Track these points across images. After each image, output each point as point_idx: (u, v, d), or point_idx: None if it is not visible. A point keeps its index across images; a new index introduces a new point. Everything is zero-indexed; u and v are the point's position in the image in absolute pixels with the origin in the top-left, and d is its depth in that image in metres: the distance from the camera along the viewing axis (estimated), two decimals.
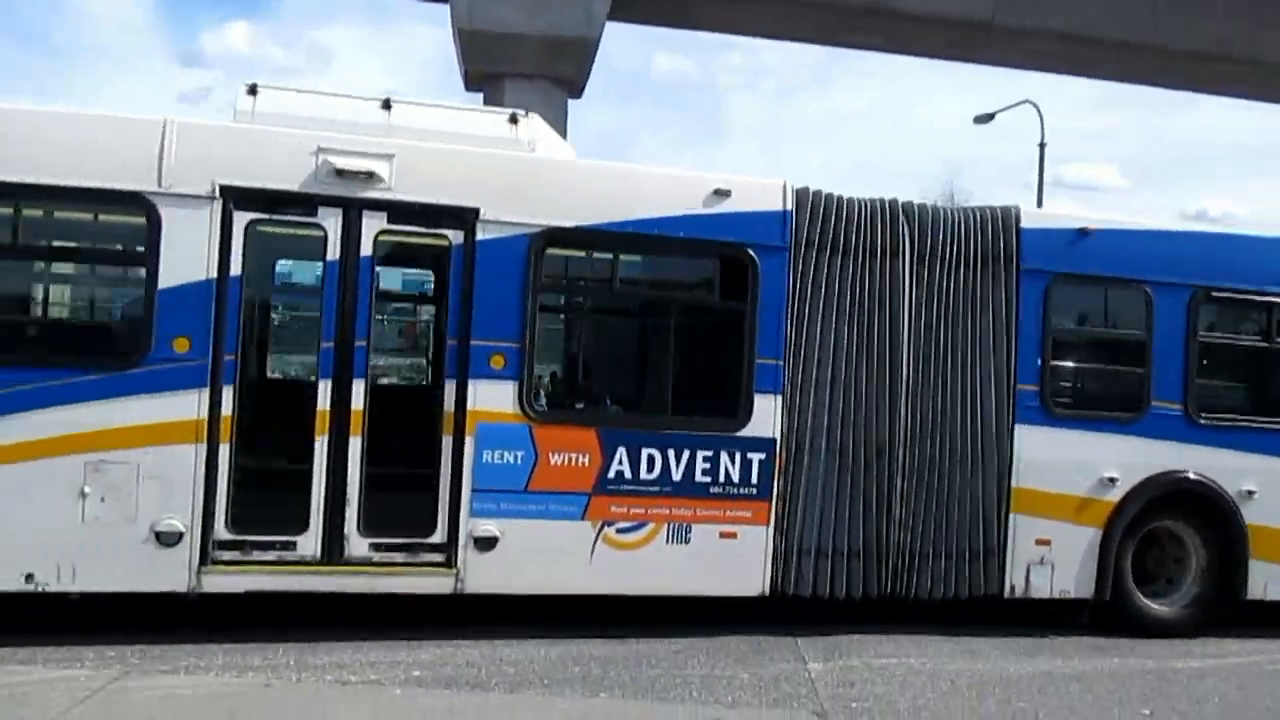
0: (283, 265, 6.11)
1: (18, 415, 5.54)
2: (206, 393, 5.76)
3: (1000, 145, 62.64)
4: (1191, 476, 7.35)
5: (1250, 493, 7.41)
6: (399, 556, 6.07)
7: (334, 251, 5.97)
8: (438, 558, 6.12)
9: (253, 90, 6.19)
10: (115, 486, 5.64)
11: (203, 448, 5.75)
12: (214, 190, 5.77)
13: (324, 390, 5.95)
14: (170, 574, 5.76)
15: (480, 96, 18.53)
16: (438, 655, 5.85)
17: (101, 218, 5.96)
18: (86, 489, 5.62)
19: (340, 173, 5.92)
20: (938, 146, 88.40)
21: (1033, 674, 6.12)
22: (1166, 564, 7.64)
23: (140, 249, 5.74)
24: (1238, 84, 20.48)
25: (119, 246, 6.04)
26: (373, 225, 6.01)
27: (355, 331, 5.99)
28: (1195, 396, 7.37)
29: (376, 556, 6.03)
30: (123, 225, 5.88)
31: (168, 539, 5.71)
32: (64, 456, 5.60)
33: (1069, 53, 19.02)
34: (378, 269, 6.08)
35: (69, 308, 6.35)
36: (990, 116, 24.51)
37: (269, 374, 6.05)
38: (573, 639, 6.17)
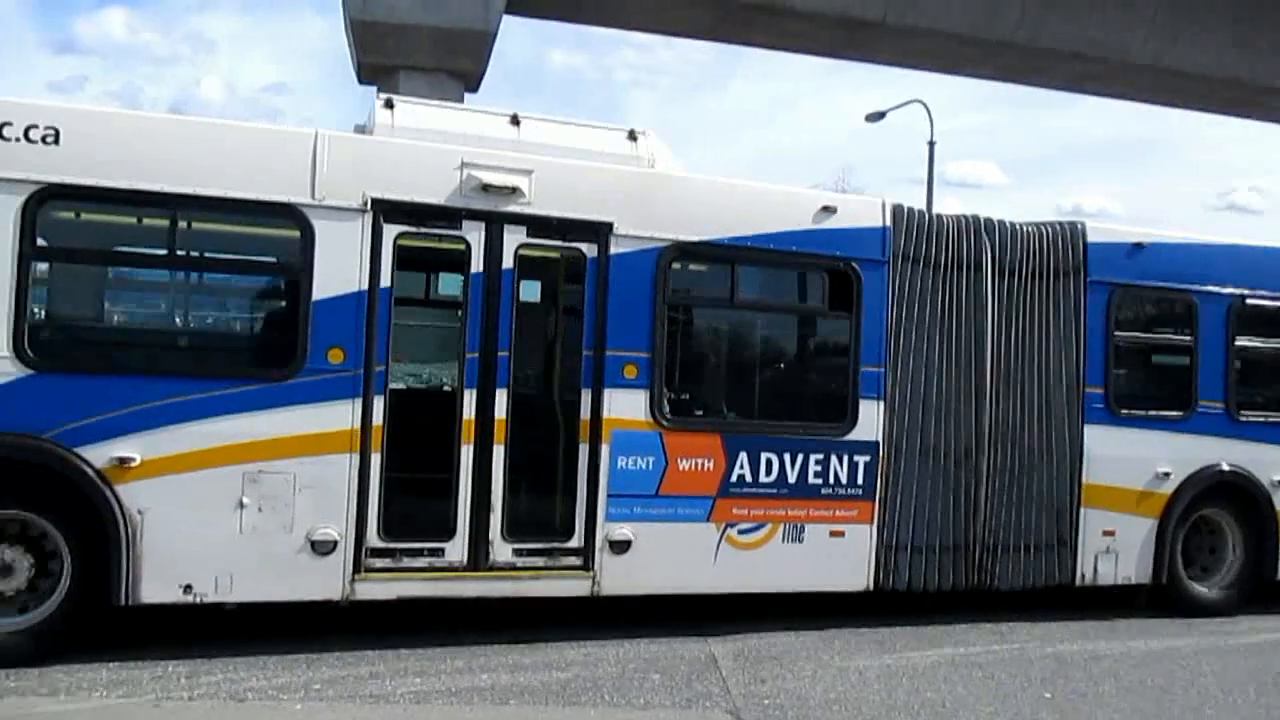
0: (425, 277, 6.19)
1: (177, 426, 5.54)
2: (359, 403, 5.84)
3: (890, 143, 64.86)
4: (1232, 469, 7.97)
5: (1279, 482, 8.08)
6: (539, 561, 6.24)
7: (477, 264, 6.11)
8: (576, 561, 6.31)
9: (389, 104, 6.29)
10: (272, 497, 5.68)
11: (356, 457, 5.83)
12: (365, 203, 5.86)
13: (469, 400, 6.09)
14: (325, 583, 5.82)
15: (374, 89, 17.85)
16: (339, 668, 5.59)
17: (256, 229, 5.97)
18: (245, 499, 5.65)
19: (486, 188, 6.07)
20: (831, 144, 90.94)
21: (937, 663, 6.20)
22: (1204, 550, 8.24)
23: (294, 261, 5.78)
24: (1110, 83, 21.08)
25: (273, 258, 6.06)
26: (513, 239, 6.17)
27: (498, 342, 6.13)
28: (1234, 396, 8.01)
29: (519, 561, 6.19)
30: (277, 237, 5.91)
31: (323, 548, 5.78)
32: (223, 467, 5.61)
33: (955, 52, 19.36)
34: (518, 281, 6.20)
35: (225, 319, 6.32)
36: (881, 115, 24.59)
37: (416, 384, 6.12)
38: (479, 645, 6.01)
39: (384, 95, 6.37)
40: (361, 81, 18.28)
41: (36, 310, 5.46)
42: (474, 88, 18.45)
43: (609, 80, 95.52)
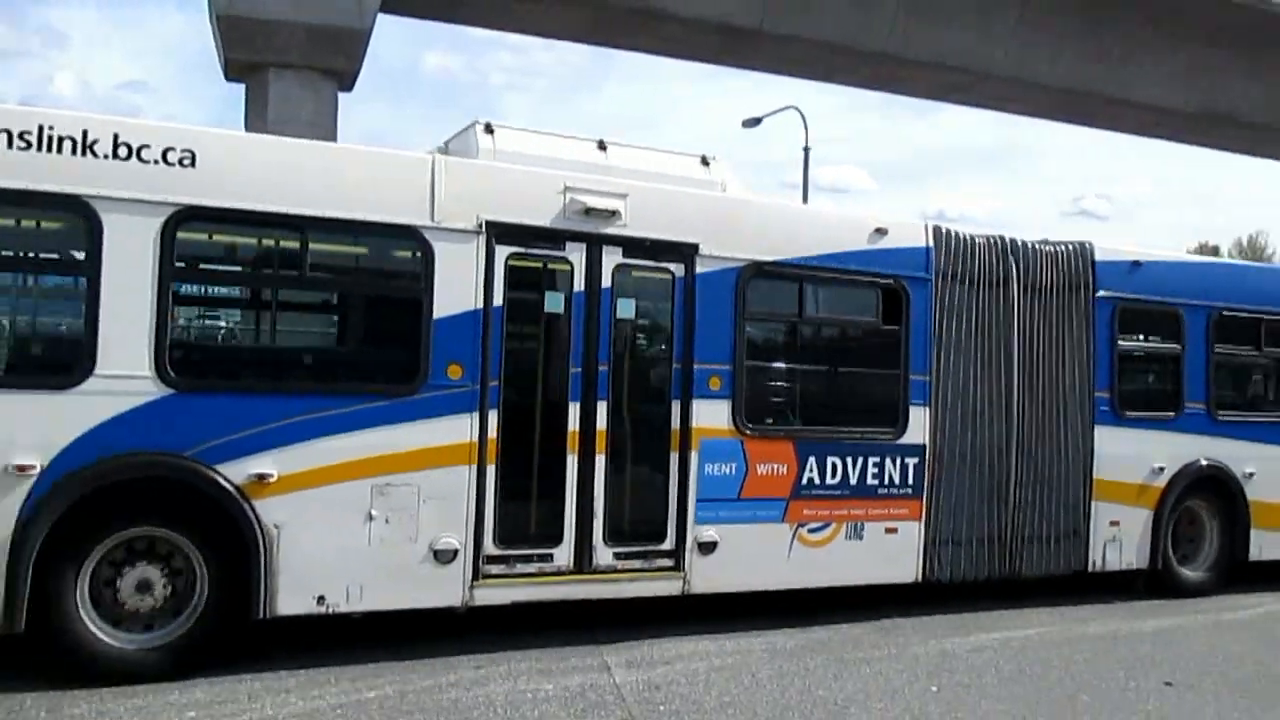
0: (533, 295, 6.47)
1: (310, 443, 5.71)
2: (477, 417, 6.10)
3: (766, 148, 66.92)
4: (1210, 463, 8.87)
5: (1250, 474, 9.03)
6: (636, 563, 6.60)
7: (579, 283, 6.44)
8: (668, 563, 6.69)
9: (489, 129, 6.54)
10: (399, 508, 5.89)
11: (474, 469, 6.09)
12: (479, 225, 6.12)
13: (573, 412, 6.40)
14: (446, 590, 6.06)
15: (242, 87, 17.41)
16: (213, 691, 5.31)
17: (380, 251, 6.15)
18: (373, 512, 5.84)
19: (588, 211, 6.40)
20: (708, 149, 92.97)
21: (828, 662, 6.26)
22: (1186, 538, 9.13)
23: (416, 281, 6.00)
24: (973, 93, 21.54)
25: (397, 278, 6.23)
26: (611, 259, 6.52)
27: (598, 357, 6.46)
28: (1214, 398, 8.91)
29: (619, 564, 6.53)
30: (399, 258, 6.11)
31: (444, 556, 6.01)
32: (353, 481, 5.80)
33: (829, 61, 19.65)
34: (615, 299, 6.55)
35: (351, 336, 6.45)
36: (758, 120, 24.72)
37: (524, 397, 6.40)
38: (362, 664, 5.75)
39: (483, 120, 6.60)
40: (229, 78, 17.51)
41: (175, 331, 5.52)
42: (348, 87, 17.97)
43: (484, 83, 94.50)
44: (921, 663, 6.37)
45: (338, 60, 16.91)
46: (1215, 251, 61.15)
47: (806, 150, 24.31)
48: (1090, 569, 8.30)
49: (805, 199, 23.97)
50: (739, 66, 20.57)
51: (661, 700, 5.45)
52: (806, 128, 24.03)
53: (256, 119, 16.67)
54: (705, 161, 7.23)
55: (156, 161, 5.45)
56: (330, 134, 16.94)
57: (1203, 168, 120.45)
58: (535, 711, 5.22)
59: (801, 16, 18.11)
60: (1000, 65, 19.91)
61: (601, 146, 6.88)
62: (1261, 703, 5.92)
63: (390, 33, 59.22)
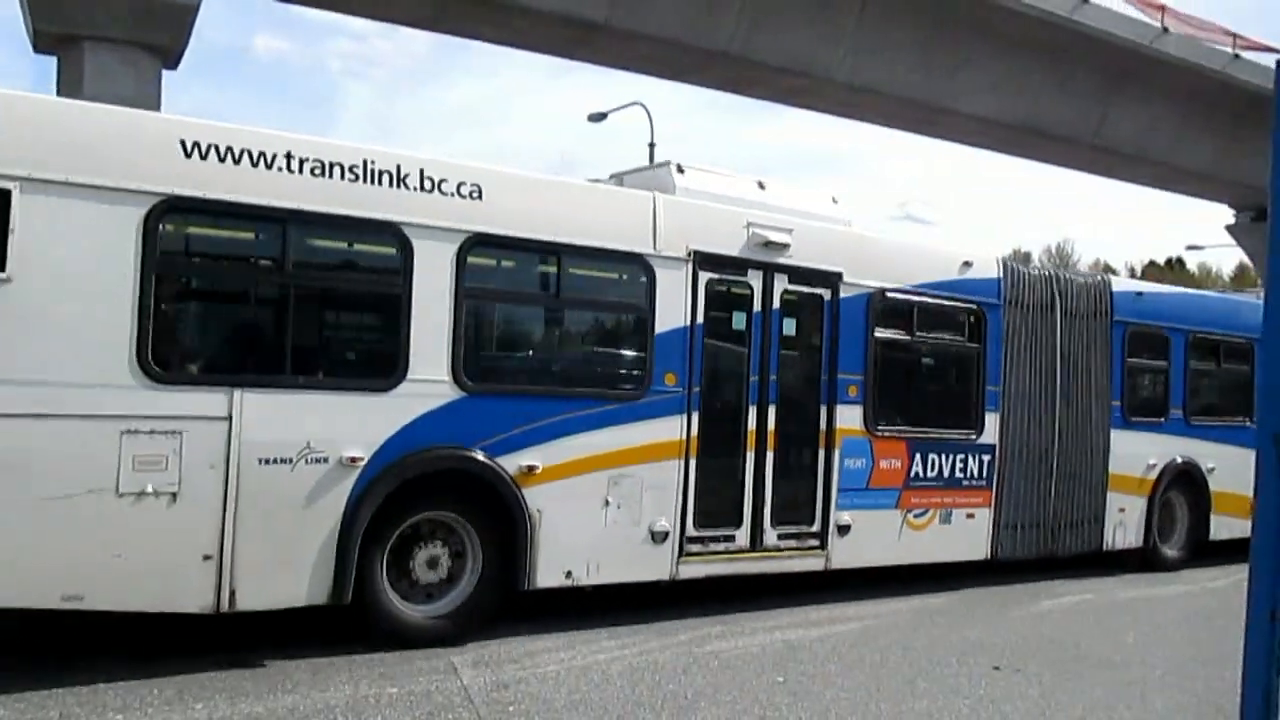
0: (723, 314, 7.50)
1: (564, 439, 6.61)
2: (685, 418, 7.12)
3: (611, 144, 68.52)
4: (1184, 460, 10.69)
5: (1212, 469, 10.89)
6: (793, 543, 7.75)
7: (757, 305, 7.54)
8: (815, 543, 7.87)
9: (680, 169, 7.57)
10: (627, 496, 6.86)
11: (682, 462, 7.11)
12: (688, 253, 7.15)
13: (751, 415, 7.50)
14: (658, 566, 7.07)
15: (54, 60, 15.98)
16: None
17: (614, 275, 7.05)
18: (609, 498, 6.80)
19: (766, 244, 7.51)
20: (554, 143, 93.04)
21: (677, 656, 6.20)
22: (1165, 522, 10.92)
23: (643, 301, 6.98)
24: (814, 98, 21.61)
25: (629, 299, 7.13)
26: (780, 284, 7.65)
27: (770, 368, 7.59)
28: (1188, 405, 10.74)
29: (781, 544, 7.68)
30: (629, 282, 7.04)
31: (659, 537, 7.02)
32: (594, 473, 6.74)
33: (676, 60, 19.39)
34: (781, 319, 7.68)
35: (594, 349, 7.28)
36: (603, 115, 24.26)
37: (715, 402, 7.43)
38: (196, 673, 5.38)
39: (675, 161, 7.61)
40: (38, 50, 16.07)
41: (466, 342, 6.31)
42: (172, 64, 16.95)
43: (320, 68, 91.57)
44: (768, 653, 6.38)
45: (161, 35, 15.80)
46: (1027, 259, 66.11)
47: (652, 146, 23.86)
48: (1105, 548, 9.93)
49: None
50: (586, 61, 20.15)
51: (511, 700, 5.22)
52: (652, 124, 23.79)
53: (70, 94, 15.05)
54: (835, 200, 8.40)
55: (453, 194, 6.25)
56: (153, 111, 15.17)
57: (1018, 177, 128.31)
58: (379, 717, 4.95)
59: (647, 13, 17.73)
60: (839, 71, 20.05)
61: (761, 186, 7.96)
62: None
63: (219, 11, 56.57)
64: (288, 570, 5.71)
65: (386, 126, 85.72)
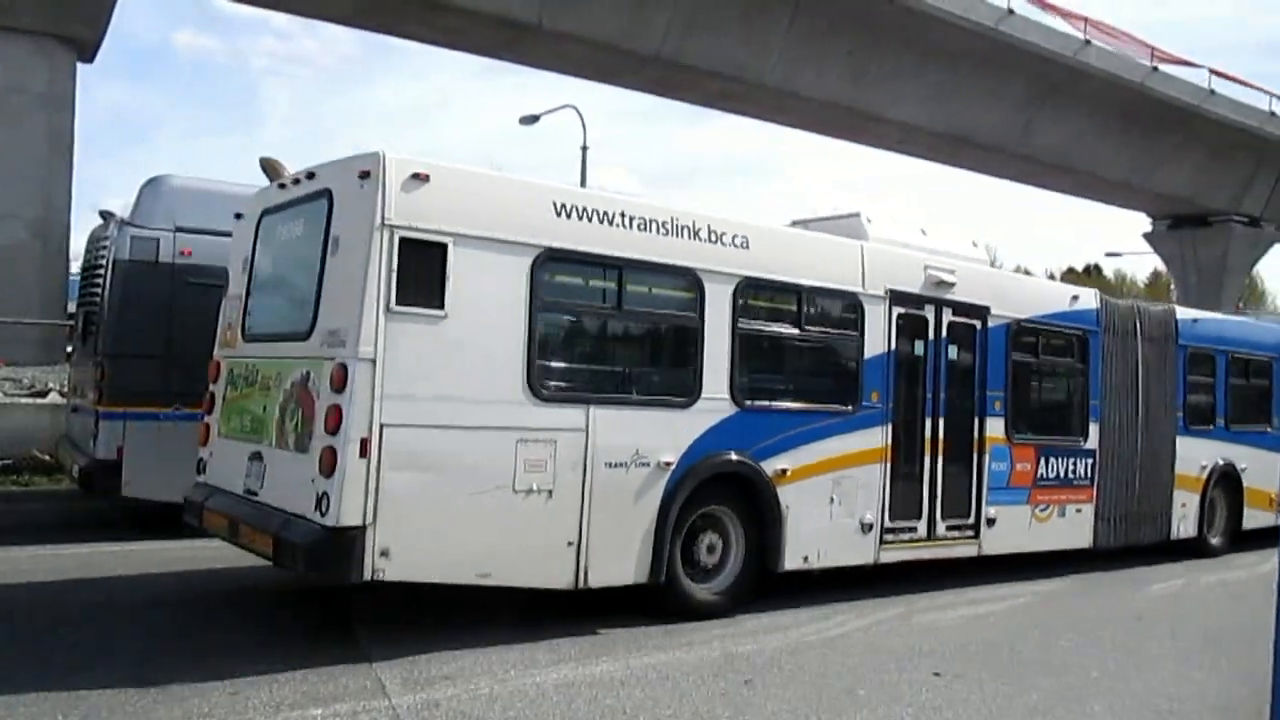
0: (907, 341, 8.85)
1: (804, 446, 7.96)
2: (885, 429, 8.51)
3: (542, 147, 68.40)
4: (1226, 462, 12.40)
5: (1244, 469, 12.64)
6: (955, 533, 9.18)
7: (931, 333, 8.97)
8: (971, 533, 9.31)
9: (869, 220, 8.99)
10: (846, 494, 8.22)
11: (883, 465, 8.51)
12: (885, 292, 8.56)
13: (927, 425, 8.92)
14: (865, 552, 8.45)
15: None
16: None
17: (836, 311, 8.38)
18: (833, 496, 8.14)
19: (939, 283, 8.96)
20: (485, 145, 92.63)
21: (612, 670, 5.98)
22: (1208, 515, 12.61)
23: (855, 333, 8.35)
24: (744, 103, 22.01)
25: (845, 330, 8.45)
26: (947, 316, 9.10)
27: (940, 386, 9.02)
28: (1229, 414, 12.47)
29: (947, 534, 9.10)
30: (847, 317, 8.39)
31: (866, 528, 8.39)
32: (824, 474, 8.09)
33: (608, 62, 19.49)
34: (946, 345, 9.12)
35: (823, 371, 8.55)
36: (535, 118, 24.39)
37: (903, 415, 8.79)
38: (100, 689, 5.14)
39: (863, 212, 9.02)
40: None
41: (739, 367, 7.60)
42: (88, 57, 16.61)
43: (244, 67, 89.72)
44: (707, 664, 6.22)
45: (77, 27, 15.43)
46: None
47: (584, 149, 24.19)
48: (1170, 539, 11.56)
49: None
50: (518, 62, 20.13)
51: (442, 718, 5.04)
52: (585, 127, 23.81)
53: None
54: (975, 244, 9.91)
55: (730, 244, 7.57)
56: (67, 106, 15.80)
57: (941, 183, 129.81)
58: None
59: (580, 15, 17.74)
60: (770, 77, 20.21)
61: (923, 232, 9.42)
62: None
63: (138, 3, 55.71)
64: (621, 555, 6.95)
65: (312, 128, 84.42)
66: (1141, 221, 32.20)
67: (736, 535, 7.69)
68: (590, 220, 6.84)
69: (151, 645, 6.11)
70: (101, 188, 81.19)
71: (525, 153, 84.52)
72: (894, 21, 20.03)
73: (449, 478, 6.15)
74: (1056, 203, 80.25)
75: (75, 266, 14.77)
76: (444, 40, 19.03)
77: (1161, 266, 45.74)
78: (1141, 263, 75.71)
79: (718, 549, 7.62)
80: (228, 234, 8.07)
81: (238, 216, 7.71)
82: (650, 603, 7.22)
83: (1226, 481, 12.52)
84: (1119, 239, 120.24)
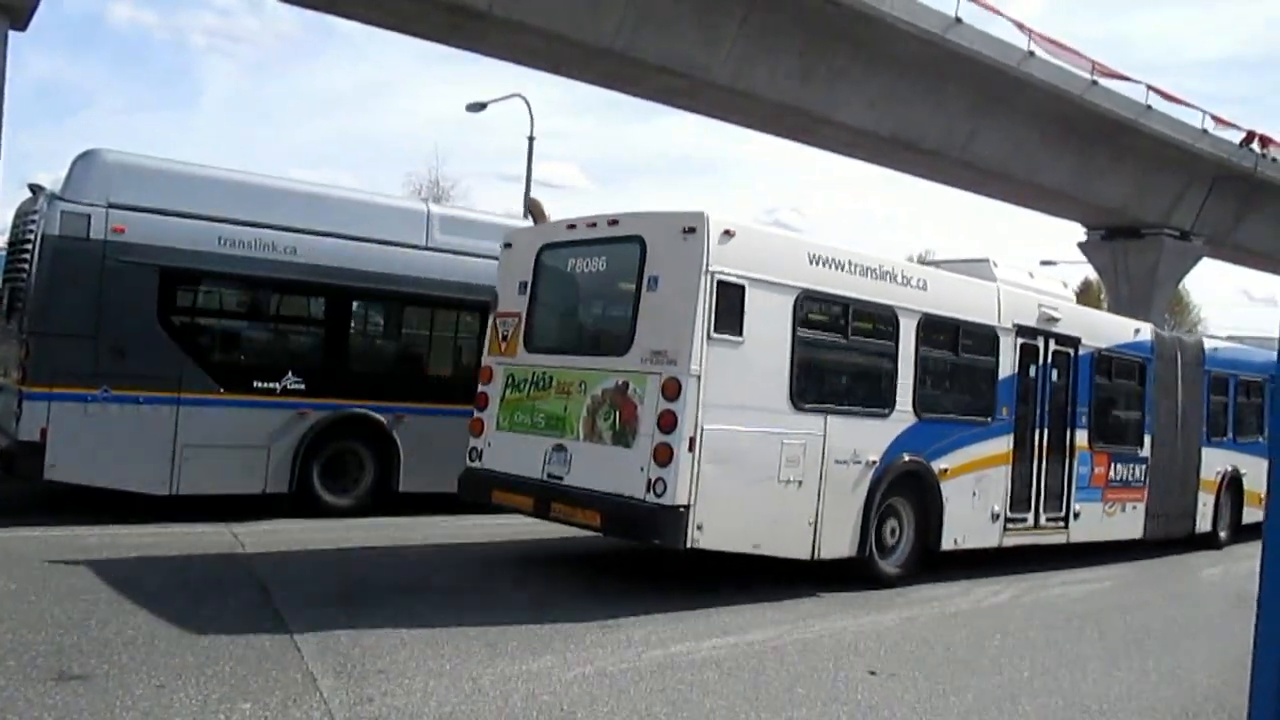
0: (1024, 366, 10.60)
1: (956, 450, 9.85)
2: (1010, 437, 10.48)
3: (485, 138, 66.62)
4: (1233, 468, 14.63)
5: (1244, 474, 14.85)
6: (1051, 524, 11.19)
7: (1040, 360, 10.95)
8: (1062, 524, 11.33)
9: (995, 264, 10.92)
10: (983, 489, 10.15)
11: (1008, 466, 10.48)
12: (1012, 325, 10.54)
13: (1036, 434, 10.93)
14: (993, 537, 10.39)
15: None
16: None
17: (982, 342, 10.27)
18: (974, 491, 10.06)
19: (1050, 319, 10.99)
20: (427, 133, 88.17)
21: (553, 664, 5.87)
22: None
23: (994, 358, 10.32)
24: (695, 99, 21.56)
25: (985, 358, 10.31)
26: (1051, 346, 11.10)
27: (1045, 402, 11.03)
28: (1237, 429, 14.71)
29: (1047, 524, 11.11)
30: (987, 345, 10.31)
31: (995, 517, 10.34)
32: (969, 473, 10.00)
33: (559, 53, 19.01)
34: (1050, 368, 11.11)
35: (968, 389, 10.32)
36: (482, 105, 24.07)
37: (1020, 425, 10.52)
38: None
39: (990, 258, 10.92)
40: None
41: (918, 384, 9.45)
42: (21, 25, 16.10)
43: (183, 43, 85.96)
44: (644, 663, 6.08)
45: None
46: None
47: (531, 140, 23.96)
48: (1195, 534, 13.76)
49: (528, 190, 24.50)
50: (466, 49, 19.60)
51: (375, 715, 4.89)
52: (532, 117, 23.56)
53: None
54: (1065, 284, 12.09)
55: (914, 286, 9.43)
56: None
57: (882, 187, 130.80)
58: None
59: (532, 4, 17.34)
60: (721, 75, 19.87)
61: (1030, 274, 11.60)
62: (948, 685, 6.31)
63: None
64: (841, 534, 8.72)
65: (255, 104, 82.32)
66: (1077, 231, 32.76)
67: (909, 521, 9.52)
68: (831, 268, 8.59)
69: (67, 636, 5.71)
70: (29, 160, 77.67)
71: (472, 141, 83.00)
72: (845, 25, 20.03)
73: (739, 469, 7.76)
74: (995, 209, 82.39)
75: (1, 241, 14.14)
76: (391, 23, 18.48)
77: (1093, 276, 46.60)
78: (1075, 271, 77.55)
79: (897, 532, 9.45)
80: (164, 212, 9.12)
81: (507, 245, 9.07)
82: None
83: (1234, 485, 14.76)
84: (1055, 247, 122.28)
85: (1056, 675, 6.70)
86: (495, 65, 20.77)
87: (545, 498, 8.03)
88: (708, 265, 7.45)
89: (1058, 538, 11.25)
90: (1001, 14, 22.76)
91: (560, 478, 7.99)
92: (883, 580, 9.12)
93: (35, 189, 9.58)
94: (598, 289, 8.56)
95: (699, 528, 7.40)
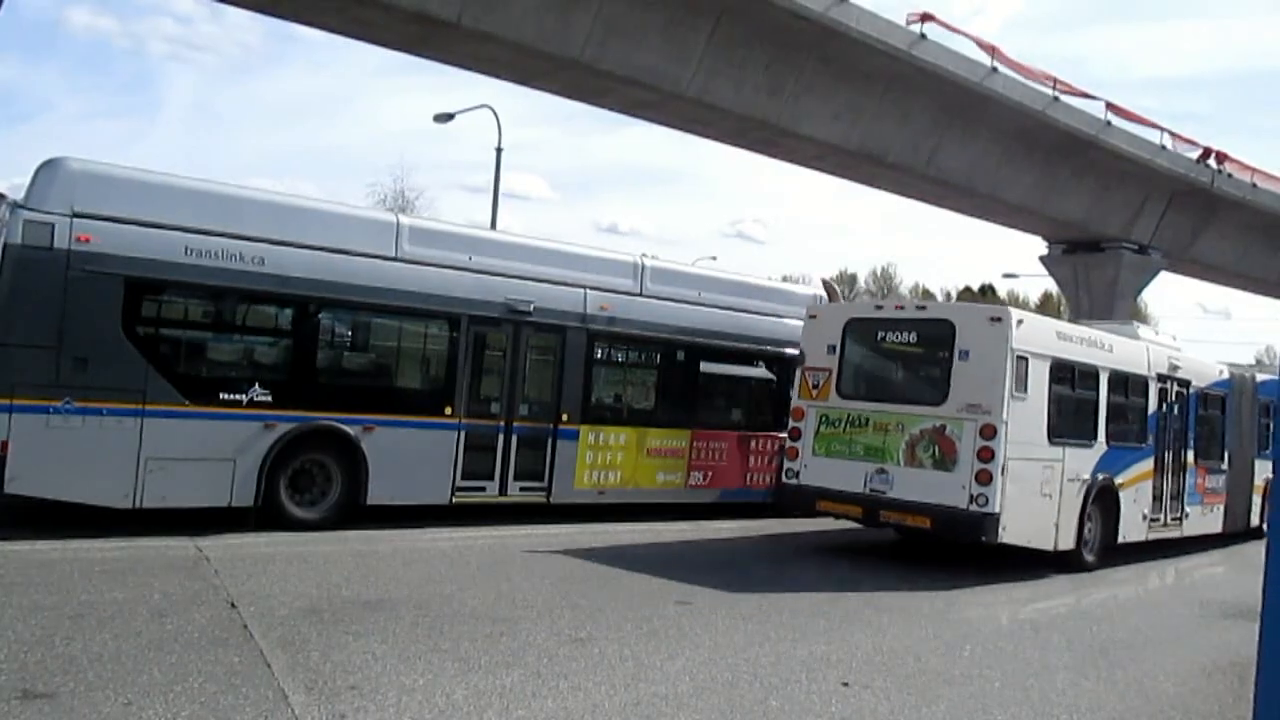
0: (1162, 402, 13.05)
1: (1129, 468, 12.32)
2: (1154, 457, 12.92)
3: (451, 149, 66.38)
4: (1273, 476, 15.22)
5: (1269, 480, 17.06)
6: (1174, 522, 13.61)
7: (1168, 397, 13.39)
8: (1178, 522, 13.71)
9: (1139, 325, 13.73)
10: (1138, 498, 12.58)
11: (1154, 480, 12.89)
12: (1155, 375, 12.84)
13: (1167, 455, 13.30)
14: (1142, 533, 12.80)
15: None
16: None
17: (1138, 384, 12.63)
18: (1134, 498, 12.43)
19: (1174, 367, 13.41)
20: (391, 143, 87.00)
21: (525, 678, 5.73)
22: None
23: (1143, 397, 12.68)
24: (662, 111, 21.47)
25: (1142, 397, 12.66)
26: (1176, 387, 13.55)
27: (1170, 429, 13.41)
28: (1275, 443, 16.71)
29: (1171, 523, 13.52)
30: (1142, 388, 12.66)
31: (1143, 518, 12.77)
32: (1134, 485, 12.36)
33: (527, 64, 19.00)
34: (1174, 404, 13.46)
35: (1132, 422, 12.56)
36: (450, 116, 24.02)
37: (1158, 449, 13.00)
38: None
39: (1136, 322, 13.91)
40: None
41: (1109, 422, 11.82)
42: None
43: (142, 50, 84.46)
44: (618, 674, 6.01)
45: None
46: (853, 280, 70.37)
47: (499, 151, 24.18)
48: (1249, 528, 15.89)
49: (496, 200, 24.92)
50: (433, 59, 19.28)
51: None
52: (500, 128, 24.47)
53: None
54: (1174, 337, 14.67)
55: (1106, 350, 12.01)
56: None
57: (847, 200, 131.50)
58: None
59: (501, 15, 17.31)
60: (689, 88, 19.93)
61: (1155, 331, 14.59)
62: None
63: None
64: (1067, 532, 11.15)
65: (216, 112, 79.24)
66: (1038, 245, 33.21)
67: (1098, 522, 11.85)
68: (1067, 340, 11.38)
69: (31, 654, 5.47)
70: None
71: (436, 152, 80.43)
72: (812, 39, 20.15)
73: (1023, 486, 10.34)
74: (958, 223, 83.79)
75: None
76: (357, 32, 18.13)
77: (1053, 288, 47.60)
78: (1035, 284, 78.50)
79: (1093, 531, 11.68)
80: (130, 221, 9.07)
81: (811, 316, 11.74)
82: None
83: (1273, 491, 15.51)
84: (1016, 261, 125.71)
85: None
86: (458, 75, 20.45)
87: (873, 507, 10.56)
88: (1012, 344, 10.20)
89: (1175, 533, 13.64)
90: (964, 33, 23.26)
91: (883, 492, 10.50)
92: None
93: None
94: (908, 355, 11.26)
95: (1004, 528, 10.01)
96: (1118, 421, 12.11)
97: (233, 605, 6.79)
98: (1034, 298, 73.14)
